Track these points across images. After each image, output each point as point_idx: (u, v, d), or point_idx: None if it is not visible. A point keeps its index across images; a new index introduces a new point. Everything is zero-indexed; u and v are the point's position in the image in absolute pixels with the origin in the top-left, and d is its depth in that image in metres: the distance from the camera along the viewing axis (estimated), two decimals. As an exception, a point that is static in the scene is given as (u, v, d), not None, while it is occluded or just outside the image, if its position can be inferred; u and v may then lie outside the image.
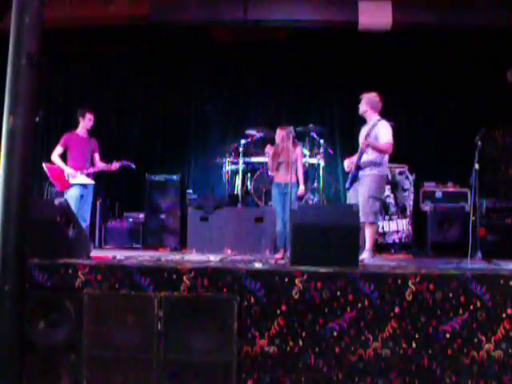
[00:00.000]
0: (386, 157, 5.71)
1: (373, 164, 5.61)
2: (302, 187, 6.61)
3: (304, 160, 7.82)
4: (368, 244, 5.62)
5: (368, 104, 5.74)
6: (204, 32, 8.99)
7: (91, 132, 6.99)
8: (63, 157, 6.82)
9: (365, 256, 5.48)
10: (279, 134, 6.73)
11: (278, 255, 6.34)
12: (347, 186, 5.81)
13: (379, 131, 5.59)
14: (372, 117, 5.73)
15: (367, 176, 5.60)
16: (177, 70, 9.62)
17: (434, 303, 3.91)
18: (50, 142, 9.55)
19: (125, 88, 9.77)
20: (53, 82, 9.49)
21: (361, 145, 5.58)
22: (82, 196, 6.67)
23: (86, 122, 6.85)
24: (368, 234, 5.62)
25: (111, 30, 8.73)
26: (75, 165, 6.68)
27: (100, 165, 6.81)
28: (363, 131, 5.83)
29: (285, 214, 6.51)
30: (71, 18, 8.03)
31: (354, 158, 5.79)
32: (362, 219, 5.25)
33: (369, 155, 5.62)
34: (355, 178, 5.67)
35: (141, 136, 9.64)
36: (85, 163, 6.71)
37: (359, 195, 5.60)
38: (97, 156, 6.91)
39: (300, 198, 6.84)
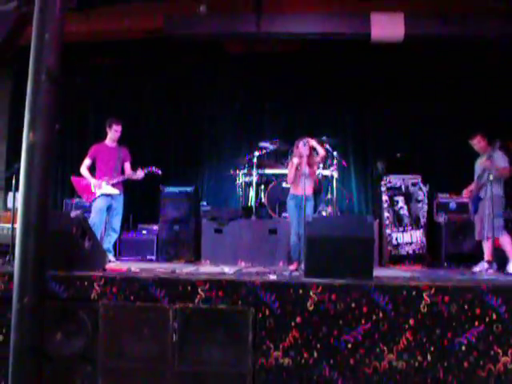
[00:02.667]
0: (502, 180, 6.47)
1: (493, 184, 6.22)
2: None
3: (317, 172, 7.83)
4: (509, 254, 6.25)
5: (484, 140, 6.60)
6: (217, 44, 9.07)
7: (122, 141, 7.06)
8: (93, 168, 6.87)
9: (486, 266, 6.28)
10: (301, 146, 6.55)
11: (292, 267, 6.34)
12: (473, 209, 6.55)
13: (497, 158, 6.35)
14: (487, 149, 6.52)
15: (486, 198, 6.27)
16: (190, 82, 9.69)
17: (449, 315, 3.89)
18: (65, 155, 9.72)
19: (139, 100, 9.86)
20: (68, 94, 9.61)
21: (485, 166, 6.35)
22: (110, 206, 6.72)
23: (112, 133, 6.88)
24: (507, 244, 6.27)
25: (127, 43, 8.85)
26: (102, 176, 6.73)
27: (127, 173, 6.82)
28: (479, 161, 6.64)
29: (300, 227, 6.48)
30: (88, 33, 8.14)
31: (471, 187, 6.65)
32: (489, 234, 6.16)
33: (490, 177, 6.24)
34: (479, 200, 6.43)
35: (155, 148, 9.71)
36: (112, 174, 6.72)
37: (484, 214, 6.29)
38: (127, 165, 6.90)
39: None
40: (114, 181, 6.68)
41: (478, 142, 6.59)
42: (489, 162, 6.25)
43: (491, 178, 6.11)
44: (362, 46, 8.33)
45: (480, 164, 6.53)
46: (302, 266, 5.13)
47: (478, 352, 3.84)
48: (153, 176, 6.98)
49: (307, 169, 6.44)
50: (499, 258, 6.35)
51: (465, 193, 6.75)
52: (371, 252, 4.67)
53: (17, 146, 9.48)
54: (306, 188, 6.24)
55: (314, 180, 6.58)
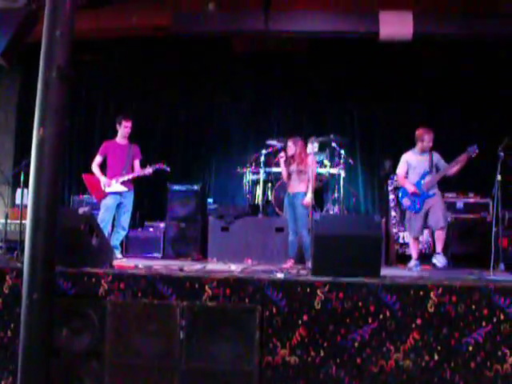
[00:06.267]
0: None
1: (438, 183, 6.52)
2: (308, 195, 6.39)
3: (325, 170, 7.83)
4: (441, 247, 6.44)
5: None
6: (225, 43, 9.07)
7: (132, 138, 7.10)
8: (104, 165, 6.92)
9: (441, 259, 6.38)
10: (289, 145, 6.69)
11: (288, 264, 6.34)
12: (418, 207, 6.47)
13: (440, 158, 6.59)
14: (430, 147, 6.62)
15: (436, 193, 6.48)
16: (198, 80, 9.70)
17: (457, 315, 3.89)
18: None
19: (146, 98, 9.87)
20: (76, 92, 9.65)
21: (462, 164, 6.37)
22: (119, 204, 6.76)
23: (122, 130, 6.92)
24: (443, 237, 6.44)
25: (134, 40, 8.87)
26: (112, 173, 6.78)
27: (136, 171, 6.86)
28: (420, 158, 6.60)
29: (295, 225, 6.53)
30: (95, 30, 8.15)
31: (413, 181, 6.56)
32: (442, 225, 6.36)
33: (435, 177, 6.47)
34: (427, 197, 6.44)
35: (162, 145, 9.73)
36: (121, 171, 6.77)
37: (435, 208, 6.40)
38: (136, 163, 6.93)
39: (307, 207, 6.76)
40: (124, 178, 6.71)
41: (431, 140, 6.53)
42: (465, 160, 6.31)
43: (499, 178, 6.08)
44: (370, 45, 8.31)
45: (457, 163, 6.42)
46: (310, 264, 5.13)
47: (485, 352, 3.84)
48: (161, 173, 6.99)
49: (295, 166, 6.55)
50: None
51: (413, 188, 6.46)
52: (379, 251, 4.68)
53: (25, 143, 9.58)
54: (294, 185, 6.53)
55: (307, 177, 6.48)
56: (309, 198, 6.35)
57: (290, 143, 6.71)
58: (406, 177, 6.61)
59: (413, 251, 6.64)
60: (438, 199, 6.45)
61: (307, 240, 6.33)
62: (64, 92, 2.59)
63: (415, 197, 6.48)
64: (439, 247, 6.40)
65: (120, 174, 6.72)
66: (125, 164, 6.79)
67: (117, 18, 8.28)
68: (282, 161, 6.72)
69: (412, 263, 6.53)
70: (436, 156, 6.55)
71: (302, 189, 6.52)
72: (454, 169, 6.40)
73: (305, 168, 6.53)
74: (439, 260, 6.33)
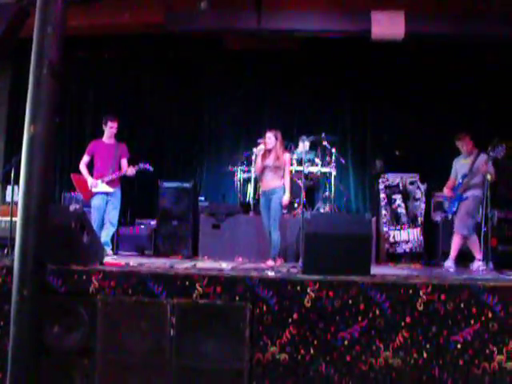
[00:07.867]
0: None
1: (477, 186, 6.44)
2: (287, 195, 6.37)
3: (316, 169, 7.85)
4: (453, 253, 6.45)
5: (471, 141, 6.70)
6: (218, 41, 9.06)
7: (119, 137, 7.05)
8: (92, 164, 6.90)
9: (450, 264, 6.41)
10: (269, 137, 6.48)
11: (276, 263, 6.30)
12: (453, 209, 6.56)
13: (483, 161, 6.41)
14: (474, 150, 6.61)
15: (470, 196, 6.46)
16: (190, 78, 9.68)
17: (446, 313, 3.92)
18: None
19: (138, 95, 9.84)
20: (67, 89, 9.60)
21: (484, 170, 6.31)
22: (107, 202, 6.76)
23: (108, 130, 6.91)
24: (458, 244, 6.45)
25: (126, 37, 8.84)
26: (98, 173, 6.77)
27: (123, 170, 6.82)
28: (463, 161, 6.70)
29: (269, 221, 6.44)
30: (87, 27, 8.11)
31: (450, 185, 6.73)
32: (460, 232, 6.40)
33: (475, 179, 6.44)
34: (461, 200, 6.49)
35: (154, 143, 9.70)
36: (108, 171, 6.75)
37: (459, 213, 6.47)
38: (124, 161, 6.90)
39: (285, 207, 6.69)
40: (109, 178, 6.69)
41: (466, 144, 6.63)
42: (487, 165, 6.30)
43: (489, 178, 6.14)
44: (362, 45, 8.32)
45: (478, 166, 6.41)
46: (300, 262, 5.15)
47: (473, 350, 3.87)
48: (144, 173, 6.94)
49: (272, 161, 6.41)
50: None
51: (447, 192, 6.70)
52: (369, 249, 4.71)
53: (15, 140, 9.54)
54: (269, 181, 6.38)
55: (282, 174, 6.44)
56: (287, 197, 6.39)
57: (269, 134, 6.48)
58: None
59: (473, 251, 6.50)
60: (469, 204, 6.43)
61: (275, 237, 6.34)
62: (55, 89, 2.59)
63: (451, 199, 6.62)
64: (452, 252, 6.44)
65: (107, 174, 6.71)
66: (111, 163, 6.78)
67: (109, 15, 8.23)
68: (259, 153, 6.53)
69: (475, 264, 6.36)
70: (480, 158, 6.46)
71: (278, 184, 6.38)
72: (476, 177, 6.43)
73: (281, 164, 6.41)
74: (447, 264, 6.40)
